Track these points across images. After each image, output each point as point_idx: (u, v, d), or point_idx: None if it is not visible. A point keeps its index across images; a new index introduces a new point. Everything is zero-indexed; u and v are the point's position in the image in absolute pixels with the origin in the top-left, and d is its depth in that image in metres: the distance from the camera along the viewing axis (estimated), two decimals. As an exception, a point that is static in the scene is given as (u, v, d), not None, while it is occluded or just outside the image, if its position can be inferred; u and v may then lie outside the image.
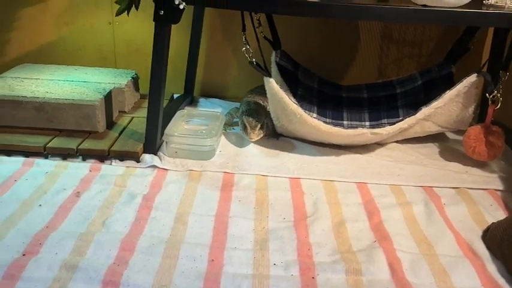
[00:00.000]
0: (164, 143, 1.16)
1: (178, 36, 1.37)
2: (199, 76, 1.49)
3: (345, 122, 1.32)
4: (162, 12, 0.96)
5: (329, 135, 1.15)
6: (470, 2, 0.98)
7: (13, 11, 1.43)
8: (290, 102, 1.10)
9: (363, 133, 1.13)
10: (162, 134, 1.15)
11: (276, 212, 0.94)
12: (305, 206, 0.97)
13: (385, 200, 1.00)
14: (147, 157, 1.11)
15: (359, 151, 1.20)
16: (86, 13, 1.44)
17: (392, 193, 1.03)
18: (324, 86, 1.40)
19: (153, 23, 1.00)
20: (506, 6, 1.01)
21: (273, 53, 1.32)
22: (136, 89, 1.40)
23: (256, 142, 1.21)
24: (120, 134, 1.18)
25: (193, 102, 1.49)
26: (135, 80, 1.38)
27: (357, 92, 1.39)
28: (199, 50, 1.43)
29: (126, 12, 0.90)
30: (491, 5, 1.03)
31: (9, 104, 1.14)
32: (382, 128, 1.13)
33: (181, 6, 0.93)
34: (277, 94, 1.11)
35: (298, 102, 1.17)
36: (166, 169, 1.08)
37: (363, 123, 1.31)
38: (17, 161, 1.08)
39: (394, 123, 1.17)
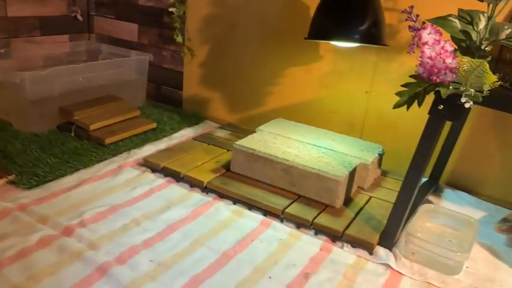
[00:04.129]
0: (402, 239, 1.04)
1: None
2: (450, 162, 1.32)
3: None
4: (441, 107, 0.86)
5: None
6: None
7: (281, 67, 1.54)
8: None
9: None
10: (404, 228, 1.04)
11: None
12: None
13: None
14: (381, 252, 1.01)
15: None
16: (345, 79, 1.45)
17: None
18: None
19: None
20: None
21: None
22: (379, 165, 1.32)
23: (517, 269, 0.98)
24: (356, 215, 1.12)
25: (437, 191, 1.32)
26: (381, 156, 1.30)
27: None
28: (459, 135, 1.27)
29: (406, 106, 0.83)
30: None
31: (262, 160, 1.20)
32: None
33: (467, 105, 0.81)
34: None
35: None
36: (400, 273, 0.96)
37: None
38: (256, 218, 1.12)
39: None
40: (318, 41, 1.38)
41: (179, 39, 1.65)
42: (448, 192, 1.33)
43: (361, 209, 1.15)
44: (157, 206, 1.12)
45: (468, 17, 0.81)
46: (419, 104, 0.82)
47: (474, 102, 0.81)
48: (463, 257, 0.96)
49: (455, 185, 1.36)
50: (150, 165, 1.30)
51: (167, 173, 1.27)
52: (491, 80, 0.75)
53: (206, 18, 1.64)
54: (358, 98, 1.44)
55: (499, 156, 1.28)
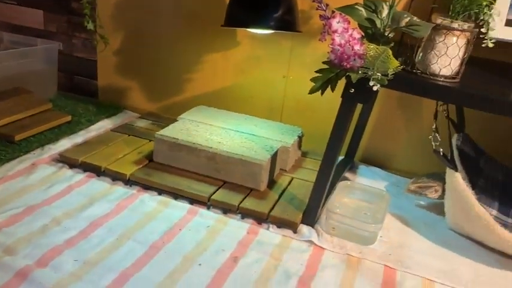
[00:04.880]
0: (323, 215, 1.11)
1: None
2: (363, 140, 1.41)
3: (531, 227, 1.12)
4: (352, 91, 0.91)
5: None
6: None
7: (200, 54, 1.53)
8: (477, 205, 0.97)
9: None
10: (324, 204, 1.11)
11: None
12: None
13: None
14: (304, 230, 1.06)
15: (551, 273, 1.00)
16: (263, 64, 1.48)
17: None
18: (511, 178, 1.22)
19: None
20: None
21: (455, 136, 1.19)
22: (299, 146, 1.38)
23: (423, 234, 1.10)
24: (279, 197, 1.16)
25: (352, 168, 1.41)
26: (300, 139, 1.36)
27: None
28: (369, 116, 1.36)
29: (320, 91, 0.87)
30: None
31: (185, 148, 1.20)
32: None
33: (374, 88, 0.87)
34: (462, 192, 0.98)
35: (477, 195, 1.03)
36: (323, 247, 1.02)
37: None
38: (183, 207, 1.12)
39: None
40: (234, 28, 1.39)
41: (90, 26, 1.57)
42: (362, 168, 1.42)
43: (284, 190, 1.20)
44: (78, 203, 1.08)
45: (373, 6, 0.86)
46: (332, 89, 0.87)
47: (381, 85, 0.88)
48: (377, 227, 1.04)
49: (368, 161, 1.46)
50: (67, 160, 1.24)
51: (86, 167, 1.22)
52: (394, 64, 0.82)
53: (118, 3, 1.58)
54: (276, 82, 1.48)
55: (405, 133, 1.39)
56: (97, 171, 1.21)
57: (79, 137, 1.42)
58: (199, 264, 0.93)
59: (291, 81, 1.46)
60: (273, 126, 1.38)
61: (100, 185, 1.18)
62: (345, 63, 0.84)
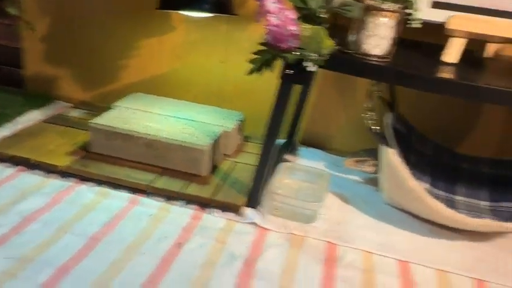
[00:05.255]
0: (266, 197, 1.12)
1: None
2: (303, 123, 1.44)
3: (458, 198, 1.20)
4: (291, 72, 0.92)
5: (448, 220, 1.04)
6: None
7: (134, 39, 1.48)
8: (410, 179, 1.02)
9: (488, 225, 1.01)
10: (266, 187, 1.12)
11: (386, 303, 0.86)
12: (418, 301, 0.88)
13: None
14: (248, 212, 1.07)
15: (476, 238, 1.08)
16: (200, 50, 1.46)
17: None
18: (439, 153, 1.30)
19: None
20: None
21: (387, 114, 1.24)
22: (241, 131, 1.38)
23: (362, 210, 1.14)
24: (222, 181, 1.16)
25: (293, 150, 1.44)
26: (241, 123, 1.36)
27: (477, 164, 1.27)
28: (308, 97, 1.38)
29: (258, 72, 0.88)
30: None
31: (122, 136, 1.16)
32: None
33: (311, 69, 0.89)
34: (396, 168, 1.03)
35: (410, 170, 1.09)
36: (267, 228, 1.04)
37: (481, 202, 1.19)
38: (123, 197, 1.09)
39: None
40: (169, 11, 1.36)
41: (12, 10, 1.46)
42: (302, 150, 1.45)
43: (227, 174, 1.20)
44: (9, 198, 1.02)
45: (306, -13, 0.87)
46: (271, 70, 0.87)
47: (319, 66, 0.89)
48: (318, 206, 1.07)
49: (308, 143, 1.49)
50: (-7, 154, 1.17)
51: (17, 161, 1.15)
52: (329, 44, 0.84)
53: (43, -13, 1.49)
54: (214, 67, 1.46)
55: (343, 113, 1.44)
56: (28, 165, 1.15)
57: (6, 130, 1.32)
58: (143, 253, 0.91)
59: (228, 65, 1.45)
60: (213, 111, 1.37)
61: (33, 178, 1.12)
62: (282, 44, 0.84)
